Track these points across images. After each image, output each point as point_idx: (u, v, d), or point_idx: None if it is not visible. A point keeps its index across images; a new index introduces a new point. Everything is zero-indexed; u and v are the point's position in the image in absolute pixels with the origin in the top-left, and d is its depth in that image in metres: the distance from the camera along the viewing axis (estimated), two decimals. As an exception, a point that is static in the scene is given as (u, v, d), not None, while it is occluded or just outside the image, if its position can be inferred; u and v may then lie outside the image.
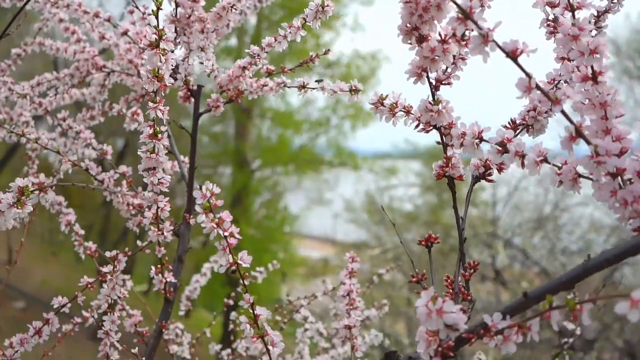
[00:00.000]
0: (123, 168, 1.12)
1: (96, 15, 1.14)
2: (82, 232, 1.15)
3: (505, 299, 6.58)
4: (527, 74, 0.55)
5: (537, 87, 0.55)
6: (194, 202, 1.06)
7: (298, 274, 10.86)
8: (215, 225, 0.67)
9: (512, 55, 0.55)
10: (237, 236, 0.68)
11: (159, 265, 1.03)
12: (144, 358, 1.01)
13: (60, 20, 1.23)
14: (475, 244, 7.40)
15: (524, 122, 0.75)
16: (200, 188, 0.67)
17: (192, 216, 1.05)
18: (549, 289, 0.55)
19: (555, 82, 0.76)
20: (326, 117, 11.89)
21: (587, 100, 0.61)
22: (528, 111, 0.75)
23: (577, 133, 0.56)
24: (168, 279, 1.03)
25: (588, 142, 0.55)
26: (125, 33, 1.09)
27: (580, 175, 0.59)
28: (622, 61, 9.47)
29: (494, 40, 0.54)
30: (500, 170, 0.73)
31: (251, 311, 0.70)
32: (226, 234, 0.67)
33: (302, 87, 1.01)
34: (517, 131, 0.75)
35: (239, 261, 0.68)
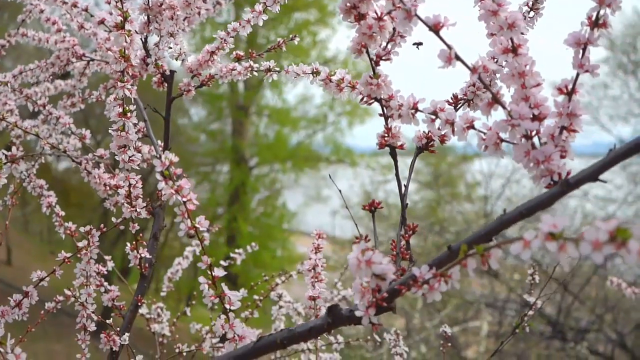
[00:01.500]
0: (101, 151, 1.17)
1: (74, 5, 1.19)
2: (62, 213, 1.20)
3: (499, 290, 6.64)
4: (448, 46, 0.60)
5: (457, 57, 0.60)
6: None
7: (297, 271, 10.88)
8: (174, 192, 0.72)
9: (435, 28, 0.60)
10: (195, 202, 0.73)
11: (134, 242, 1.08)
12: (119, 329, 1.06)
13: (41, 11, 1.28)
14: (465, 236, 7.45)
15: (465, 97, 0.80)
16: (160, 158, 0.72)
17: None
18: (469, 241, 0.60)
19: (495, 59, 0.81)
20: (323, 114, 11.95)
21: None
22: (469, 86, 0.80)
23: (494, 99, 0.61)
24: (143, 255, 1.09)
25: (504, 107, 0.61)
26: (102, 22, 1.14)
27: (502, 140, 0.64)
28: (617, 56, 9.51)
29: (416, 15, 0.59)
30: (442, 141, 0.78)
31: (209, 273, 0.75)
32: (185, 199, 0.72)
33: (268, 70, 1.07)
34: (459, 105, 0.80)
35: (197, 225, 0.73)
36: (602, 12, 0.61)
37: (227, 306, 0.75)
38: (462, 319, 6.74)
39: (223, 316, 0.76)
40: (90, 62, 1.33)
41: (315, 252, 1.07)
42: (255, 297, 1.45)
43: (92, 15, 1.20)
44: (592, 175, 0.56)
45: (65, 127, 1.20)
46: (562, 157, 0.61)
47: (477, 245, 0.55)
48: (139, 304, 1.11)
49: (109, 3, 1.20)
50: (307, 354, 1.37)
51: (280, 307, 1.43)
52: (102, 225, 1.04)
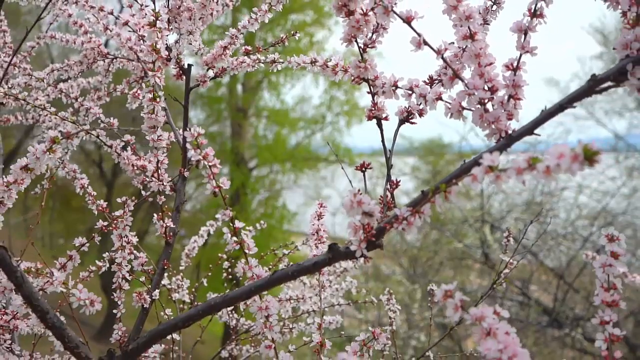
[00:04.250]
0: (127, 137, 1.34)
1: (101, 9, 1.36)
2: (94, 193, 1.37)
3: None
4: (418, 34, 0.77)
5: (425, 42, 0.77)
6: (188, 160, 1.29)
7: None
8: (201, 158, 0.89)
9: (407, 20, 0.77)
10: (218, 166, 0.90)
11: (160, 213, 1.25)
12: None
13: (69, 15, 1.45)
14: (465, 233, 7.63)
15: (439, 78, 0.97)
16: (190, 130, 0.89)
17: (187, 170, 1.27)
18: (437, 185, 0.77)
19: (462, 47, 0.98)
20: (321, 115, 12.12)
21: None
22: (441, 69, 0.97)
23: (455, 75, 0.78)
24: (168, 225, 1.25)
25: (462, 80, 0.78)
26: (126, 23, 1.31)
27: (464, 108, 0.81)
28: (611, 51, 9.67)
29: (393, 10, 0.76)
30: (420, 115, 0.95)
31: (231, 224, 0.92)
32: (210, 163, 0.89)
33: (273, 61, 1.24)
34: (434, 84, 0.97)
35: (220, 184, 0.90)
36: (539, 4, 0.78)
37: (247, 251, 0.92)
38: (460, 309, 6.88)
39: (243, 260, 0.92)
40: (114, 60, 1.50)
41: (318, 219, 1.24)
42: (265, 268, 1.62)
43: (117, 18, 1.37)
44: (530, 129, 0.73)
45: (95, 117, 1.37)
46: (509, 119, 0.77)
47: (442, 184, 0.72)
48: (165, 267, 1.28)
49: (131, 6, 1.38)
50: (312, 316, 1.53)
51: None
52: (133, 197, 1.21)
